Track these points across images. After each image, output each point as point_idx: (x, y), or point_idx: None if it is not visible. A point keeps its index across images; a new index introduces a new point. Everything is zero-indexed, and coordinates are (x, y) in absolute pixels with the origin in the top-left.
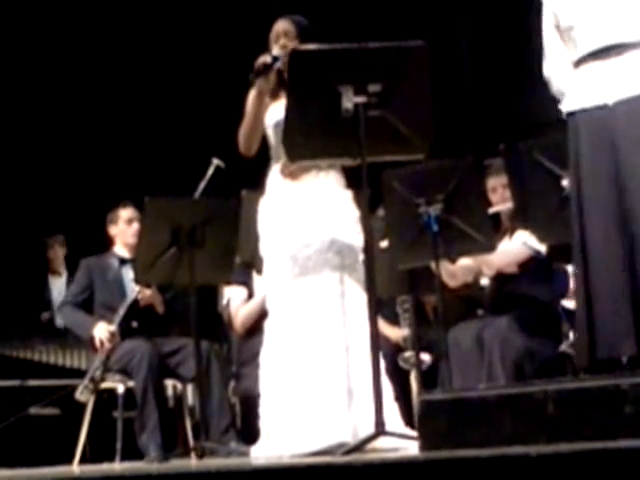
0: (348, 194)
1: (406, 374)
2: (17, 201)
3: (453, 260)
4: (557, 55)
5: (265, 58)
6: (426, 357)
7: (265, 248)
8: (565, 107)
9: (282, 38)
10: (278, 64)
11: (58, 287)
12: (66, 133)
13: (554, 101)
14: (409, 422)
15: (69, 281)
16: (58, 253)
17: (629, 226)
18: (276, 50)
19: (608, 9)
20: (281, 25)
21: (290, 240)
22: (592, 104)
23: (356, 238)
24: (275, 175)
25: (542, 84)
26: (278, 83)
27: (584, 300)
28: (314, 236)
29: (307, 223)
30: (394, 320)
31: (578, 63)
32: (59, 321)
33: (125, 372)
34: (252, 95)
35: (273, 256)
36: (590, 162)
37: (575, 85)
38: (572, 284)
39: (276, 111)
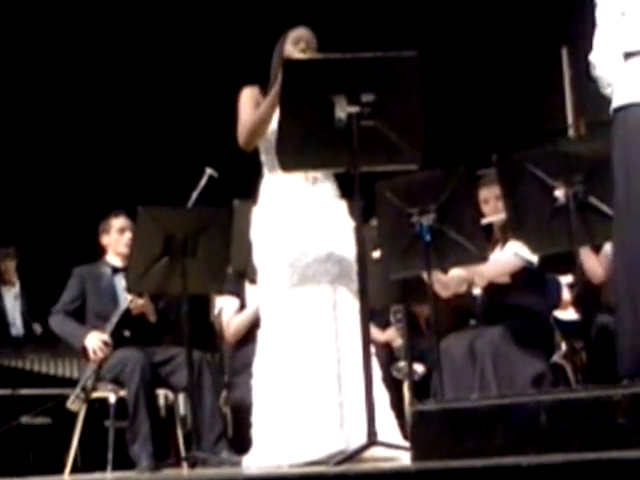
0: (343, 204)
1: (399, 384)
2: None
3: (445, 270)
4: (609, 42)
5: None
6: (419, 367)
7: (260, 257)
8: (617, 101)
9: (302, 43)
10: None
11: (11, 297)
12: (59, 143)
13: (546, 113)
14: (401, 432)
15: (22, 290)
16: (10, 264)
17: None
18: (297, 55)
19: None
20: (305, 33)
21: (288, 249)
22: None
23: (353, 248)
24: (269, 184)
25: (536, 96)
26: None
27: (630, 301)
28: (312, 245)
29: (304, 232)
30: (387, 328)
31: (634, 55)
32: (53, 327)
33: (117, 381)
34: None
35: (269, 265)
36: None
37: (631, 78)
38: (565, 294)
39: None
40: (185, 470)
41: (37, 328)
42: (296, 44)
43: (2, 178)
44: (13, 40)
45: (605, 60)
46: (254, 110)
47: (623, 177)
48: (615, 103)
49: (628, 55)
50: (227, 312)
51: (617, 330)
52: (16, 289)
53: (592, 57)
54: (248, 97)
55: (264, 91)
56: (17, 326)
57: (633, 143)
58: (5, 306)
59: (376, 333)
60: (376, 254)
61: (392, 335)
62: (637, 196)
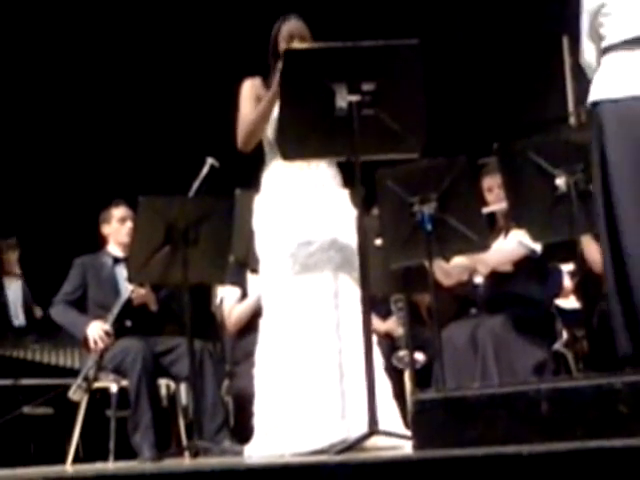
0: (346, 193)
1: (400, 373)
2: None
3: (447, 259)
4: (589, 44)
5: None
6: (420, 356)
7: (263, 246)
8: (592, 96)
9: (296, 40)
10: None
11: (13, 288)
12: (60, 133)
13: (547, 101)
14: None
15: (24, 281)
16: (11, 255)
17: None
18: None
19: None
20: (297, 26)
21: (290, 238)
22: (624, 94)
23: (355, 236)
24: (272, 173)
25: (537, 84)
26: None
27: (618, 289)
28: (315, 234)
29: (307, 221)
30: (388, 317)
31: (609, 50)
32: (54, 316)
33: (119, 371)
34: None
35: (272, 254)
36: (618, 154)
37: (605, 74)
38: (567, 283)
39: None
40: (187, 460)
41: (37, 312)
42: (289, 41)
43: (3, 169)
44: (13, 35)
45: (590, 62)
46: (254, 106)
47: (599, 172)
48: (590, 99)
49: (602, 52)
50: (228, 301)
51: (610, 312)
52: (18, 280)
53: (581, 62)
54: (248, 91)
55: (266, 82)
56: (19, 316)
57: (606, 138)
58: (7, 297)
59: (377, 323)
60: (378, 241)
61: (393, 324)
62: (614, 190)
